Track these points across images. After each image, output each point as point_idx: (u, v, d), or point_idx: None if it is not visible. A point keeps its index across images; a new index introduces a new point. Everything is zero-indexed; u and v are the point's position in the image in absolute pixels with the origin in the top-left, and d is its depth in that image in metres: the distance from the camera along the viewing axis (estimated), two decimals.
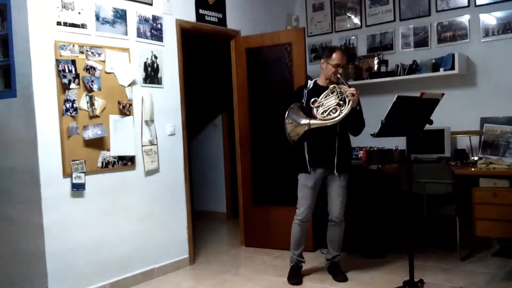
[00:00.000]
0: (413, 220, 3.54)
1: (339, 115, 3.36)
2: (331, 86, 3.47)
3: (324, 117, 3.40)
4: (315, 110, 3.45)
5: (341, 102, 3.39)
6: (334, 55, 3.57)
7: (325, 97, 3.46)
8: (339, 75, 3.54)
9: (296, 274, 3.73)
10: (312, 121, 3.42)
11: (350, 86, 3.45)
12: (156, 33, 3.99)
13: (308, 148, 3.61)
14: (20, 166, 3.30)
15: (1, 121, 3.40)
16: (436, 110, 3.16)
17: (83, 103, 3.42)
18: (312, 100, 3.49)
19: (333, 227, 3.73)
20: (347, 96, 3.37)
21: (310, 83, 3.70)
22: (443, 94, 3.17)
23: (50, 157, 3.24)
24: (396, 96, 2.92)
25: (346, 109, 3.35)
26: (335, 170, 3.58)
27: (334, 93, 3.43)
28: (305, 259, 3.83)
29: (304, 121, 3.44)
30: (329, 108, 3.41)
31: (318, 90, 3.57)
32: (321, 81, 3.68)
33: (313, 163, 3.60)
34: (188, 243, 4.25)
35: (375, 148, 4.75)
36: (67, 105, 3.31)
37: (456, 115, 4.47)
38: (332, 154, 3.57)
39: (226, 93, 5.35)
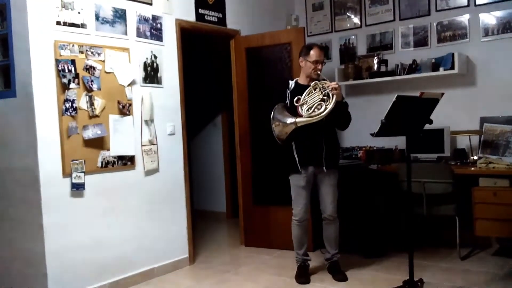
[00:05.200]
0: (413, 220, 3.55)
1: (324, 110, 3.38)
2: (313, 83, 3.51)
3: (310, 114, 3.41)
4: (299, 108, 3.47)
5: (325, 98, 3.41)
6: (312, 52, 3.60)
7: (308, 94, 3.48)
8: (319, 72, 3.57)
9: (303, 273, 3.73)
10: (298, 120, 3.43)
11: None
12: (155, 33, 3.99)
13: (296, 148, 3.62)
14: (20, 166, 3.30)
15: (1, 121, 3.40)
16: (436, 109, 3.16)
17: (82, 102, 3.42)
18: (296, 98, 3.50)
19: (328, 225, 3.74)
20: (330, 91, 3.40)
21: (292, 83, 3.72)
22: (442, 94, 3.17)
23: (50, 157, 3.24)
24: (395, 95, 2.92)
25: (331, 104, 3.37)
26: (324, 167, 3.59)
27: (317, 90, 3.46)
28: (310, 257, 3.84)
29: (290, 120, 3.45)
30: (314, 105, 3.43)
31: (299, 89, 3.59)
32: (301, 80, 3.71)
33: (303, 162, 3.61)
34: (188, 243, 4.25)
35: (375, 148, 4.76)
36: (67, 105, 3.31)
37: (456, 114, 4.48)
38: (320, 151, 3.58)
39: (226, 93, 5.35)
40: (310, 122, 3.41)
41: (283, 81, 4.50)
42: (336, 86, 3.42)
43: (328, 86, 3.42)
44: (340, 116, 3.57)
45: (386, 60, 4.90)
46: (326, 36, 5.42)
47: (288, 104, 3.60)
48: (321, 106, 3.40)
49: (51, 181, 3.24)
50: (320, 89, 3.45)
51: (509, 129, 4.22)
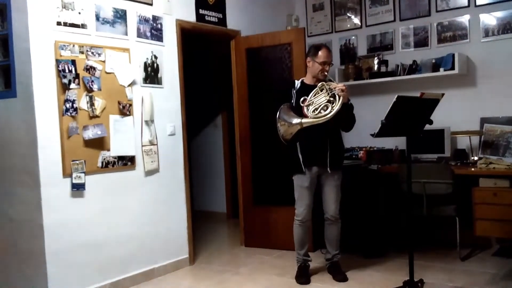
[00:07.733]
0: (413, 220, 3.55)
1: (330, 111, 3.35)
2: (320, 84, 3.48)
3: (316, 115, 3.39)
4: (305, 109, 3.45)
5: (331, 99, 3.39)
6: (320, 53, 3.59)
7: (315, 95, 3.46)
8: (326, 73, 3.57)
9: (304, 274, 3.73)
10: (304, 120, 3.41)
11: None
12: (156, 33, 3.99)
13: (301, 148, 3.61)
14: (20, 166, 3.30)
15: (1, 121, 3.40)
16: (436, 110, 3.17)
17: (83, 103, 3.42)
18: (302, 99, 3.48)
19: (330, 226, 3.74)
20: (337, 92, 3.39)
21: (297, 83, 3.71)
22: (443, 94, 3.18)
23: (50, 157, 3.24)
24: (396, 96, 2.92)
25: (337, 106, 3.35)
26: (328, 168, 3.59)
27: (324, 91, 3.44)
28: (311, 258, 3.84)
29: (295, 120, 3.43)
30: (320, 106, 3.41)
31: (306, 89, 3.58)
32: (308, 80, 3.70)
33: (307, 162, 3.61)
34: (188, 243, 4.25)
35: (375, 148, 4.75)
36: (67, 105, 3.32)
37: (456, 115, 4.48)
38: (324, 152, 3.58)
39: (226, 93, 5.35)
40: (316, 123, 3.40)
41: (283, 82, 4.53)
42: (344, 88, 3.40)
43: (335, 88, 3.41)
44: (345, 118, 3.56)
45: (387, 61, 4.90)
46: (326, 37, 5.41)
47: (293, 104, 3.59)
48: (327, 108, 3.37)
49: (51, 181, 3.24)
50: (326, 90, 3.43)
51: (509, 130, 4.22)
